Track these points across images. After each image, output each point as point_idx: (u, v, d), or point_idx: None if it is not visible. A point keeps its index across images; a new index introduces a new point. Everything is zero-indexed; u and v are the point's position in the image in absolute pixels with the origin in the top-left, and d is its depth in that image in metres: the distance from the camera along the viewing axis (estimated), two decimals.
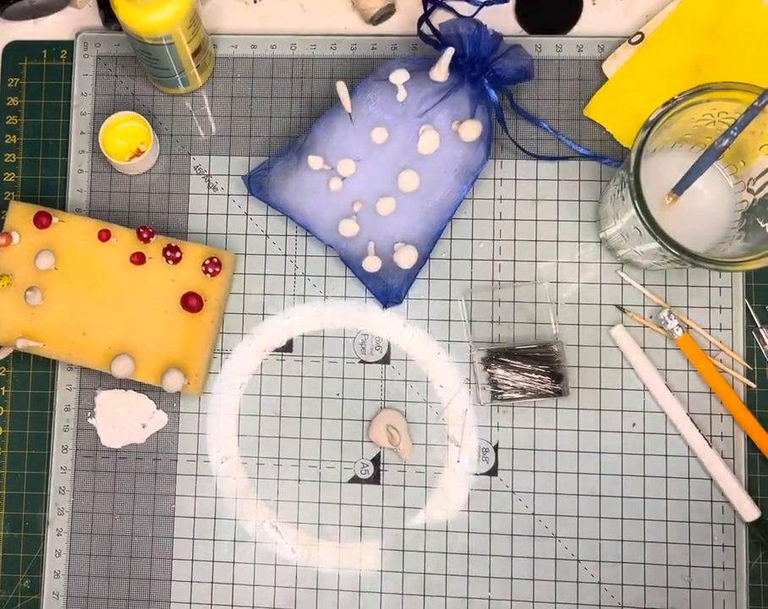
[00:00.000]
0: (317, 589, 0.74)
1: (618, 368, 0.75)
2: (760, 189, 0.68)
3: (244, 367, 0.77)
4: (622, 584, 0.73)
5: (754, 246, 0.65)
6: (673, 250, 0.63)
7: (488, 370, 0.74)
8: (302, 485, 0.75)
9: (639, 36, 0.77)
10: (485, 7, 0.76)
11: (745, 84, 0.64)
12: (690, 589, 0.72)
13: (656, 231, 0.63)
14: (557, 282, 0.76)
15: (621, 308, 0.75)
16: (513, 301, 0.76)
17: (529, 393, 0.74)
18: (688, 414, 0.73)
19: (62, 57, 0.81)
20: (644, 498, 0.73)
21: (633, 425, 0.74)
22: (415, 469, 0.75)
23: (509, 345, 0.75)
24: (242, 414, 0.76)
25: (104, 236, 0.75)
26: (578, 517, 0.74)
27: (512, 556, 0.74)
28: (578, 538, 0.73)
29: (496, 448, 0.75)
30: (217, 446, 0.76)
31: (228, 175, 0.79)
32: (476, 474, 0.75)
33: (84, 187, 0.79)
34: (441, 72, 0.73)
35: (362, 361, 0.76)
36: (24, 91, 0.81)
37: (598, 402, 0.75)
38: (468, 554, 0.74)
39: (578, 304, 0.76)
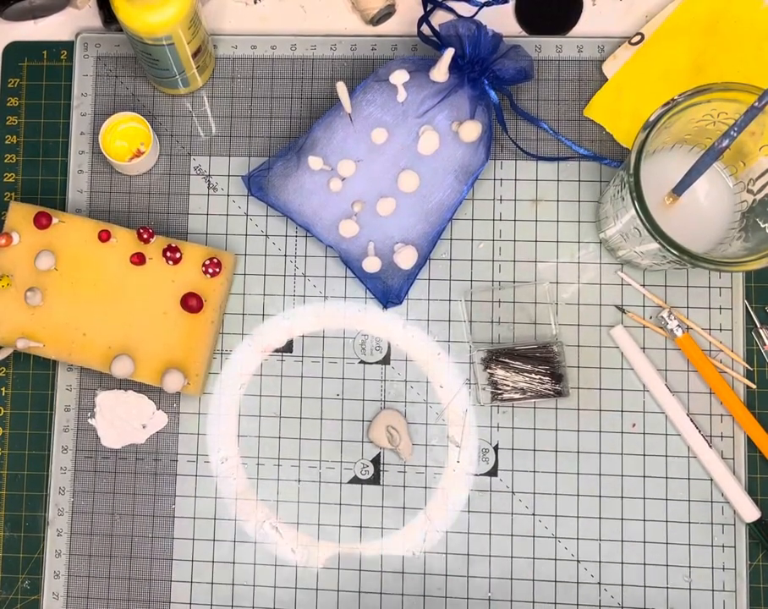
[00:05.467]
0: (317, 589, 0.74)
1: (618, 368, 0.75)
2: (760, 190, 0.68)
3: (244, 368, 0.77)
4: (622, 585, 0.73)
5: (754, 247, 0.65)
6: (673, 251, 0.63)
7: (488, 370, 0.74)
8: (302, 486, 0.75)
9: (638, 37, 0.77)
10: (485, 7, 0.76)
11: (745, 84, 0.64)
12: (690, 589, 0.72)
13: (656, 231, 0.63)
14: (557, 283, 0.76)
15: (621, 308, 0.75)
16: (513, 302, 0.76)
17: (529, 394, 0.74)
18: (688, 415, 0.73)
19: (62, 57, 0.81)
20: (644, 499, 0.73)
21: (633, 425, 0.74)
22: (415, 469, 0.75)
23: (509, 346, 0.75)
24: (242, 415, 0.76)
25: (104, 236, 0.75)
26: (578, 517, 0.74)
27: (512, 557, 0.74)
28: (578, 538, 0.73)
29: (496, 449, 0.75)
30: (217, 446, 0.76)
31: (228, 176, 0.79)
32: (476, 475, 0.75)
33: (84, 187, 0.79)
34: (440, 73, 0.73)
35: (362, 362, 0.76)
36: (24, 92, 0.81)
37: (598, 402, 0.75)
38: (468, 554, 0.74)
39: (578, 304, 0.76)
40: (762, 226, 0.66)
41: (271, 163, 0.76)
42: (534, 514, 0.74)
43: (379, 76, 0.75)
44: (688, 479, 0.73)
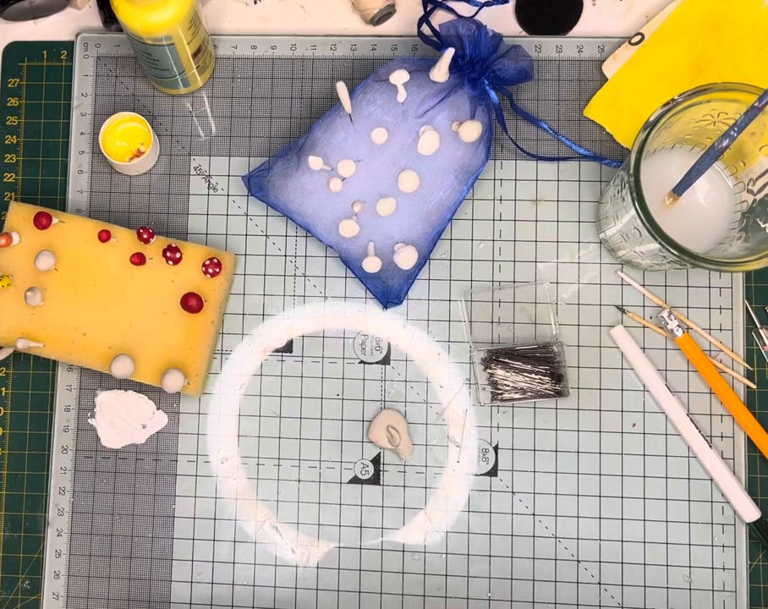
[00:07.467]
0: (317, 589, 0.74)
1: (618, 368, 0.75)
2: (760, 190, 0.68)
3: (244, 368, 0.77)
4: (623, 585, 0.73)
5: (754, 247, 0.65)
6: (673, 251, 0.63)
7: (488, 370, 0.74)
8: (302, 486, 0.75)
9: (639, 37, 0.77)
10: (485, 7, 0.76)
11: (745, 84, 0.64)
12: (690, 589, 0.72)
13: (656, 231, 0.63)
14: (557, 283, 0.76)
15: (621, 308, 0.75)
16: (513, 302, 0.76)
17: (529, 394, 0.74)
18: (688, 415, 0.73)
19: (62, 57, 0.81)
20: (644, 499, 0.73)
21: (634, 425, 0.74)
22: (415, 469, 0.75)
23: (509, 346, 0.75)
24: (242, 415, 0.76)
25: (104, 236, 0.75)
26: (578, 517, 0.74)
27: (512, 557, 0.74)
28: (578, 538, 0.73)
29: (496, 449, 0.75)
30: (217, 446, 0.76)
31: (228, 176, 0.79)
32: (476, 475, 0.75)
33: (84, 187, 0.79)
34: (441, 72, 0.73)
35: (362, 362, 0.76)
36: (25, 92, 0.81)
37: (598, 402, 0.75)
38: (468, 554, 0.74)
39: (579, 304, 0.76)
40: (762, 226, 0.66)
41: (271, 163, 0.76)
42: (534, 514, 0.74)
43: (379, 76, 0.75)
44: (688, 479, 0.73)
